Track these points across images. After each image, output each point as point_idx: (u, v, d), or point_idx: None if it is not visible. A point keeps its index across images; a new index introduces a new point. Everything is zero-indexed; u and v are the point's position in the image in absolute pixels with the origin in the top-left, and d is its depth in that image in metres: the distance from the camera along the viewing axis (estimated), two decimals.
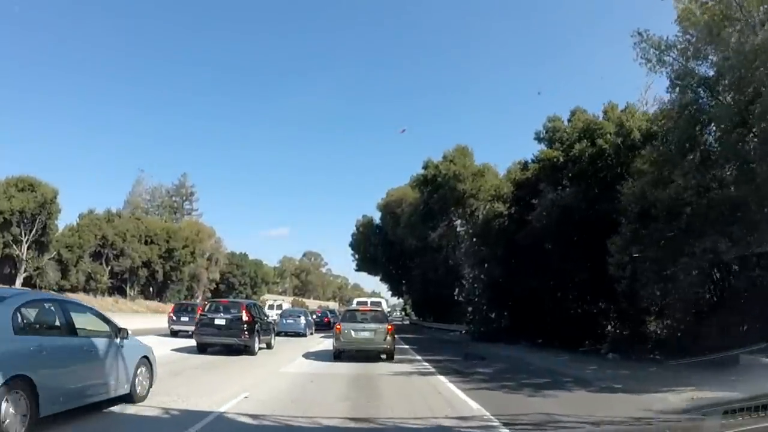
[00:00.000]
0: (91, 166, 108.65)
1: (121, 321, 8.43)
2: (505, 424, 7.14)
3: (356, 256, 62.72)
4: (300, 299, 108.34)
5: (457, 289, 38.12)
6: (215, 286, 71.87)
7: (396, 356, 16.22)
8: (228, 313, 16.94)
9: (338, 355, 15.70)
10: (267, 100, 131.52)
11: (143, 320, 33.55)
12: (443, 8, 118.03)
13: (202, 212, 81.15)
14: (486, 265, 29.00)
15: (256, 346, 16.95)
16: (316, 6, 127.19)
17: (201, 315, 17.47)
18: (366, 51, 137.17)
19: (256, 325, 17.27)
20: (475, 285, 32.22)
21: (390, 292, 72.16)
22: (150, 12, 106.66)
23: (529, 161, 26.24)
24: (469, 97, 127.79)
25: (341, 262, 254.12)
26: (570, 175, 20.93)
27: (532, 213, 22.46)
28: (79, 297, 44.40)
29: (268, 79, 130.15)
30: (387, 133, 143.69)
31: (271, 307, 41.86)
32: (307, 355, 17.30)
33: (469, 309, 33.70)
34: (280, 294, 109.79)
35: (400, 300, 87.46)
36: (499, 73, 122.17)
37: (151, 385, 8.08)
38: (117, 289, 49.36)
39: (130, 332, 7.50)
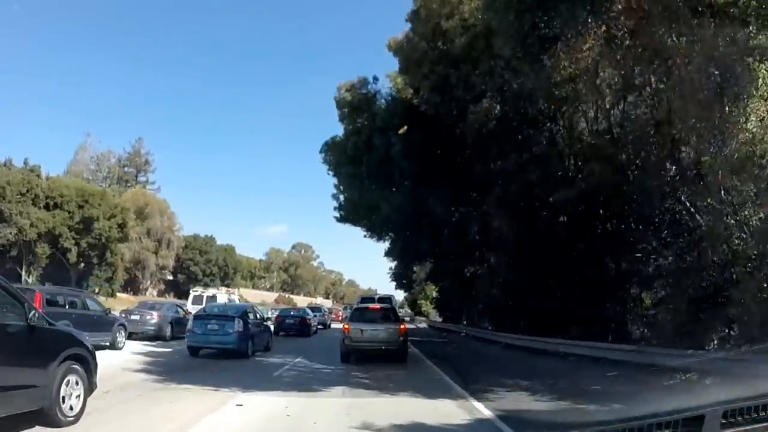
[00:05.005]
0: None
1: None
2: None
3: (338, 185, 28.71)
4: (288, 295, 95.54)
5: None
6: (172, 275, 56.76)
7: None
8: None
9: (346, 357, 14.61)
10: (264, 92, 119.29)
11: None
12: None
13: (159, 186, 66.89)
14: None
15: None
16: None
17: None
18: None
19: None
20: None
21: (394, 283, 49.31)
22: None
23: None
24: None
25: (335, 258, 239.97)
26: None
27: None
28: None
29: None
30: None
31: (197, 299, 23.58)
32: None
33: None
34: (268, 290, 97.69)
35: (406, 295, 69.79)
36: None
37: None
38: (6, 272, 34.45)
39: None
